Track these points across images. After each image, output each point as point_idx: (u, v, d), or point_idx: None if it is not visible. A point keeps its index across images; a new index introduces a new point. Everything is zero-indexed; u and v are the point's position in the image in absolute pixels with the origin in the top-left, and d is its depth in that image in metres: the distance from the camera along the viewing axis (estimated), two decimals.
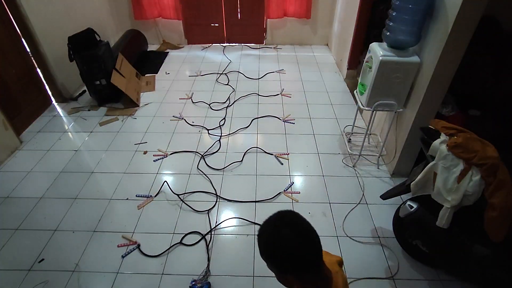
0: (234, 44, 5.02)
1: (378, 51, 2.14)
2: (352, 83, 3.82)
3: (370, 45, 2.28)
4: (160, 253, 1.98)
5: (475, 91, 2.62)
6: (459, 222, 1.57)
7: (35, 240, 2.07)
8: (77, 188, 2.45)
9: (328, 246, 2.02)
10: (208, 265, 1.91)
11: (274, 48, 4.90)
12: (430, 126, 1.70)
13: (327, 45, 4.95)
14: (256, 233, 2.09)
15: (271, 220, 0.86)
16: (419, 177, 1.64)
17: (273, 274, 1.82)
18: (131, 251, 2.00)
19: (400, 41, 2.07)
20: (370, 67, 2.23)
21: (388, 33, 2.10)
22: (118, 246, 2.03)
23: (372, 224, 2.17)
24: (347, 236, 2.09)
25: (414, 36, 2.02)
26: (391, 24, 2.06)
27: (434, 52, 1.95)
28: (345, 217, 2.21)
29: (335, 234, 2.10)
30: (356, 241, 2.06)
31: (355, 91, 2.58)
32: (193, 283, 1.78)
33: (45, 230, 2.13)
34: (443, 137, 1.58)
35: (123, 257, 1.97)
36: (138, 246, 2.02)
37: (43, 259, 1.96)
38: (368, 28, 3.58)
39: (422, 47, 2.08)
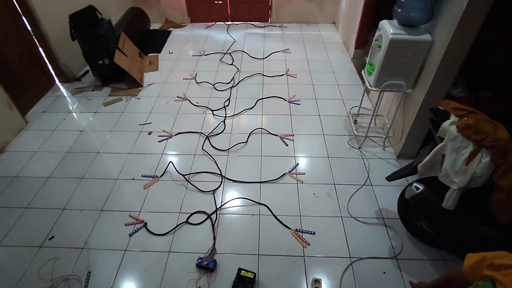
0: (238, 22, 4.90)
1: (388, 29, 2.06)
2: (359, 63, 3.74)
3: (380, 22, 2.20)
4: (166, 231, 2.02)
5: (487, 71, 2.55)
6: (465, 204, 1.56)
7: (44, 218, 2.11)
8: (84, 168, 2.47)
9: (333, 226, 2.04)
10: (214, 243, 1.94)
11: (279, 26, 4.77)
12: (439, 107, 1.67)
13: (334, 23, 4.81)
14: (265, 213, 2.12)
15: None
16: (426, 158, 1.63)
17: (278, 253, 1.88)
18: (138, 230, 2.03)
19: (411, 18, 1.99)
20: (380, 46, 2.16)
21: (399, 10, 2.02)
22: (125, 225, 2.06)
23: (377, 205, 2.18)
24: (352, 216, 2.10)
25: (427, 12, 1.94)
26: (402, 0, 1.97)
27: (446, 30, 1.87)
28: (350, 198, 2.21)
29: (340, 215, 2.11)
30: (360, 221, 2.07)
31: (363, 71, 2.51)
32: (200, 260, 1.82)
33: (54, 208, 2.17)
34: (453, 118, 1.55)
35: (130, 235, 2.00)
36: (145, 224, 2.06)
37: (53, 237, 2.00)
38: (378, 6, 3.45)
39: (434, 25, 2.01)
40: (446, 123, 1.54)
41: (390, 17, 2.18)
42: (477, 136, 1.42)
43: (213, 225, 2.05)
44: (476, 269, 1.01)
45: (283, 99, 3.20)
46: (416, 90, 2.23)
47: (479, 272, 0.98)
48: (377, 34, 2.22)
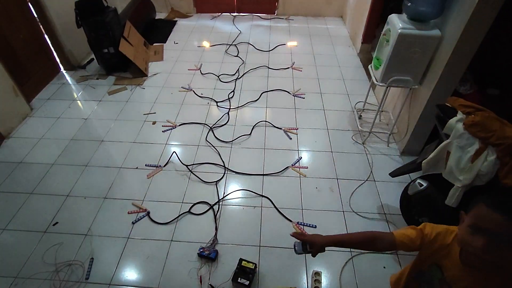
0: (244, 14, 4.85)
1: (397, 23, 2.04)
2: (365, 58, 3.70)
3: (389, 16, 2.17)
4: (169, 220, 2.04)
5: (496, 68, 2.51)
6: (467, 201, 1.56)
7: (48, 204, 2.13)
8: (88, 155, 2.49)
9: (334, 220, 2.05)
10: (216, 234, 1.96)
11: (285, 19, 4.72)
12: (446, 104, 1.65)
13: (342, 17, 4.75)
14: (267, 205, 2.12)
15: None
16: (431, 155, 1.62)
17: (279, 245, 1.87)
18: (141, 218, 2.05)
19: (421, 13, 1.96)
20: (388, 40, 2.14)
21: (409, 4, 1.99)
22: (128, 213, 2.08)
23: (379, 201, 2.18)
24: (353, 211, 2.10)
25: (437, 7, 1.91)
26: None
27: (457, 25, 1.84)
28: (352, 193, 2.21)
29: (341, 209, 2.12)
30: (362, 216, 2.08)
31: (369, 66, 2.49)
32: (201, 250, 1.83)
33: (58, 195, 2.19)
34: (459, 115, 1.53)
35: (133, 223, 2.02)
36: (148, 213, 2.07)
37: (57, 222, 2.03)
38: (386, 0, 3.40)
39: (444, 20, 1.97)
40: (452, 120, 1.53)
41: (399, 11, 2.15)
42: (484, 133, 1.40)
43: (215, 216, 2.07)
44: (409, 247, 1.05)
45: (288, 92, 3.19)
46: (423, 86, 2.21)
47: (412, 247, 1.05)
48: (385, 28, 2.19)
